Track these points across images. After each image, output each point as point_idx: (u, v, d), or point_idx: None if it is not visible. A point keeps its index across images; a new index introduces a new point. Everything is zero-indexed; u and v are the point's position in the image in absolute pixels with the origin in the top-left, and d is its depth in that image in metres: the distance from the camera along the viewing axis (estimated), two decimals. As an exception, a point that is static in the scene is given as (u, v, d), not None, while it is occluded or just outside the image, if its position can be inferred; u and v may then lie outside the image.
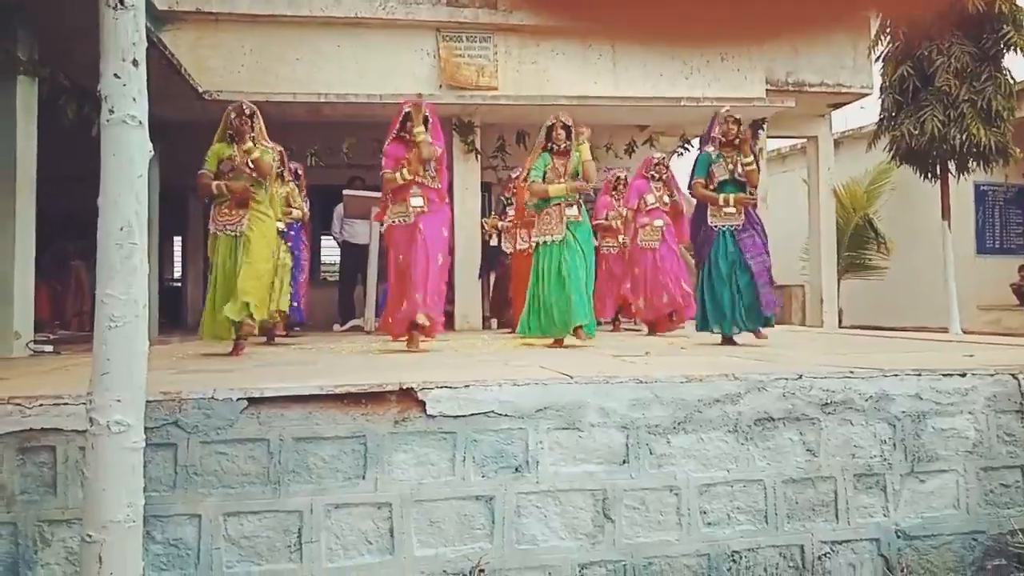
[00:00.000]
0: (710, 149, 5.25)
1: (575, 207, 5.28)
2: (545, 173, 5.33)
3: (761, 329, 5.06)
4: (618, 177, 7.65)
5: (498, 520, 2.78)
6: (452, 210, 5.64)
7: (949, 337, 7.28)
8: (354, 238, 8.58)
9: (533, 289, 5.30)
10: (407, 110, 4.99)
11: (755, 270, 4.99)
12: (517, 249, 7.22)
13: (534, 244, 5.44)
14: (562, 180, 5.26)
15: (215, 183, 4.69)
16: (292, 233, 6.50)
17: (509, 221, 7.82)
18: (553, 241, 5.22)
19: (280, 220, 6.09)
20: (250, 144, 4.74)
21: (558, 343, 5.30)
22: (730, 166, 5.15)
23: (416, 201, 4.91)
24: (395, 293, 5.01)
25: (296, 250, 6.54)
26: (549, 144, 5.33)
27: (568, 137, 5.33)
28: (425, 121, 5.00)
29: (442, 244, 4.97)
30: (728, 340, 5.17)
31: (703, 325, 5.27)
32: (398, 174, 4.93)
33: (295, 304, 6.57)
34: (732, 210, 5.08)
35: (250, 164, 4.71)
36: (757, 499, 2.97)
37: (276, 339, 6.29)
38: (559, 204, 5.25)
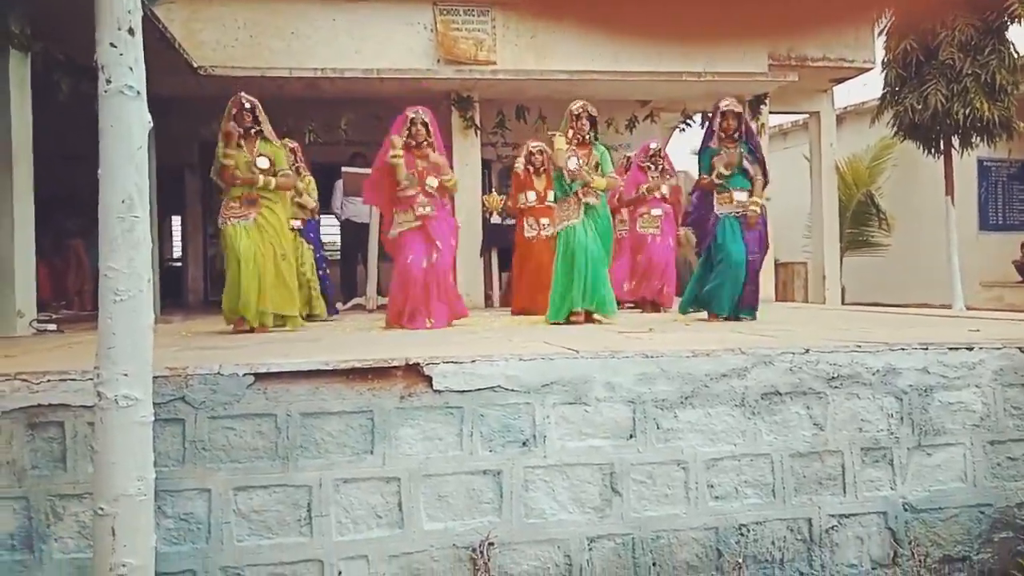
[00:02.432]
0: (713, 143, 5.25)
1: (592, 196, 5.26)
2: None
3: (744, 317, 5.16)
4: (651, 149, 7.30)
5: (506, 494, 2.78)
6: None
7: (953, 313, 7.29)
8: (355, 216, 8.52)
9: (558, 273, 5.28)
10: (410, 117, 5.06)
11: (751, 266, 5.07)
12: (525, 237, 7.09)
13: (556, 231, 5.45)
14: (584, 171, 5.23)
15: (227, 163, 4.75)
16: (312, 235, 6.41)
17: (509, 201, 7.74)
18: (572, 226, 5.24)
19: (296, 218, 6.08)
20: (263, 144, 4.84)
21: (581, 318, 5.26)
22: (734, 158, 5.14)
23: (422, 209, 5.00)
24: (399, 294, 5.04)
25: (316, 249, 6.50)
26: (573, 134, 5.28)
27: (593, 127, 5.31)
28: (426, 127, 5.07)
29: (451, 254, 5.15)
30: (715, 319, 5.20)
31: (686, 306, 5.40)
32: (398, 158, 4.95)
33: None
34: (743, 199, 5.10)
35: (258, 164, 4.78)
36: (764, 473, 2.97)
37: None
38: (577, 192, 5.24)
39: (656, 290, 6.97)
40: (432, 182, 5.04)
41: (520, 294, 7.03)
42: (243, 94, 4.92)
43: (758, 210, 5.14)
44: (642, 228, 7.07)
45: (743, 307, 5.16)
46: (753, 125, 9.02)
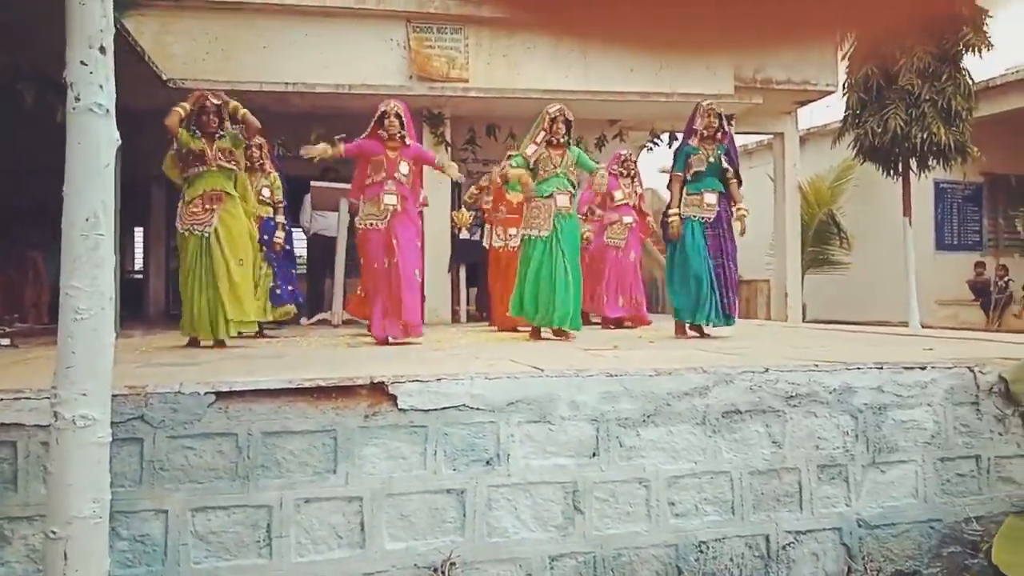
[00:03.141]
0: (692, 142, 5.22)
1: (566, 196, 5.23)
2: (538, 161, 5.26)
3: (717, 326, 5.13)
4: (624, 157, 7.41)
5: (469, 513, 2.78)
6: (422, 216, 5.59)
7: (909, 331, 7.47)
8: (323, 230, 8.49)
9: (521, 273, 5.26)
10: (383, 109, 4.98)
11: (715, 273, 5.04)
12: (493, 246, 7.10)
13: (521, 236, 5.38)
14: (558, 172, 5.22)
15: (177, 110, 4.55)
16: (265, 237, 6.14)
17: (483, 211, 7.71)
18: (539, 236, 5.17)
19: (261, 213, 5.97)
20: (222, 141, 4.70)
21: (535, 334, 5.32)
22: (710, 159, 5.13)
23: (389, 199, 4.89)
24: (372, 296, 5.02)
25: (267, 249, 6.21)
26: (548, 136, 5.26)
27: (568, 132, 5.30)
28: (400, 119, 4.99)
29: (416, 256, 5.01)
30: (697, 329, 5.21)
31: (679, 315, 5.30)
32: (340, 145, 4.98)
33: (300, 300, 6.51)
34: (712, 201, 5.09)
35: (220, 158, 4.63)
36: (724, 490, 3.02)
37: (266, 333, 6.06)
38: (551, 195, 5.19)
39: (620, 309, 7.00)
40: (404, 168, 4.96)
41: (500, 308, 7.05)
42: (208, 93, 4.74)
43: (744, 215, 5.12)
44: (609, 239, 7.09)
45: (719, 315, 5.04)
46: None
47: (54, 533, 1.98)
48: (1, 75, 5.32)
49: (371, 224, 4.92)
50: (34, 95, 5.60)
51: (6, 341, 5.12)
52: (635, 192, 7.25)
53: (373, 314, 4.98)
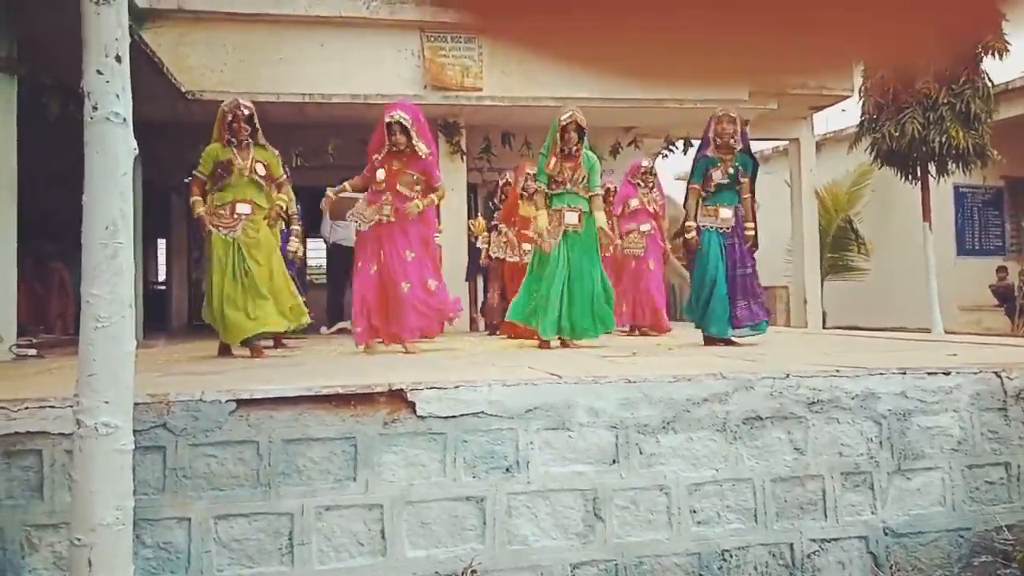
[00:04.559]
0: (710, 153, 5.11)
1: (576, 214, 5.11)
2: (550, 178, 5.17)
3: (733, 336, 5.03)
4: (643, 167, 7.32)
5: (489, 521, 2.77)
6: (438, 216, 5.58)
7: (932, 337, 7.37)
8: (342, 240, 8.54)
9: (529, 279, 5.24)
10: (386, 121, 4.90)
11: (737, 282, 4.97)
12: (508, 260, 7.01)
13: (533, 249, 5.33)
14: (568, 185, 5.13)
15: (198, 211, 4.68)
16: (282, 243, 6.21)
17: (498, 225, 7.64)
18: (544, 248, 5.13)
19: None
20: (259, 151, 4.76)
21: (544, 344, 5.22)
22: (729, 170, 5.03)
23: (385, 209, 4.90)
24: (360, 304, 5.00)
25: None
26: (560, 147, 5.14)
27: (580, 140, 5.16)
28: (406, 133, 4.88)
29: (401, 261, 4.93)
30: (723, 341, 5.04)
31: (701, 325, 5.19)
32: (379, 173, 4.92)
33: None
34: (727, 215, 5.02)
35: (256, 171, 4.68)
36: (746, 498, 2.99)
37: (284, 344, 6.07)
38: (559, 209, 5.11)
39: (644, 318, 6.94)
40: (403, 188, 4.90)
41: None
42: (240, 100, 4.78)
43: (752, 234, 5.07)
44: (628, 248, 7.01)
45: (740, 325, 4.97)
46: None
47: (79, 540, 1.99)
48: (26, 88, 5.41)
49: (365, 228, 4.97)
50: (59, 107, 5.70)
51: (32, 351, 5.19)
52: (654, 201, 7.16)
53: (356, 318, 4.98)
